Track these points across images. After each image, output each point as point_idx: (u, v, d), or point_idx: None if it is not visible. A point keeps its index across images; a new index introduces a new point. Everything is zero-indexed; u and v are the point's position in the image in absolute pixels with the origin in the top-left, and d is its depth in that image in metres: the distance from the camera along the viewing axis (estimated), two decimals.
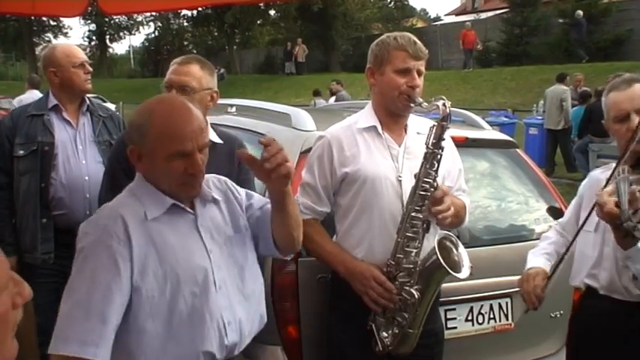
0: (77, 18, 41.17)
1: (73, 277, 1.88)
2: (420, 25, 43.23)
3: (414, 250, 2.46)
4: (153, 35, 49.66)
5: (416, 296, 2.45)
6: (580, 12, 22.66)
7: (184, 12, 42.70)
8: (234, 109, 3.92)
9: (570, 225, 2.70)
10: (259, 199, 2.26)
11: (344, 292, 2.58)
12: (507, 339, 3.16)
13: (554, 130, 12.74)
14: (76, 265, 1.88)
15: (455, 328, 3.01)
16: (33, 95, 9.37)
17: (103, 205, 2.06)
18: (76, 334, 1.79)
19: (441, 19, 50.19)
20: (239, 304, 2.07)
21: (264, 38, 44.27)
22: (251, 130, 3.40)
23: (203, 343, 1.96)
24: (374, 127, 2.63)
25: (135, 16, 44.83)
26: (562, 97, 12.61)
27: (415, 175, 2.46)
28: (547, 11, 26.86)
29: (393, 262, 2.49)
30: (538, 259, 2.69)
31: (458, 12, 45.47)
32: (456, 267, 2.45)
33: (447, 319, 2.96)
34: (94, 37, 49.19)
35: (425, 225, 2.46)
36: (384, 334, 2.52)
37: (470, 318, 3.06)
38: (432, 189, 2.43)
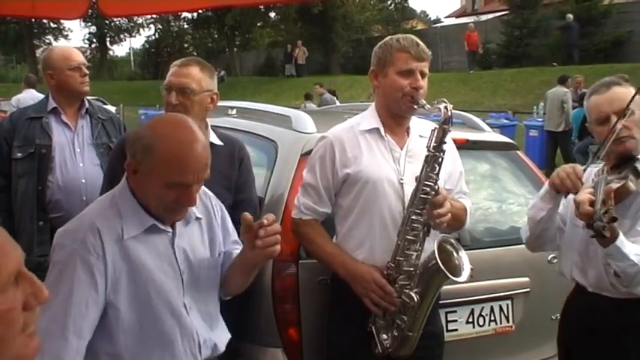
0: (78, 20, 41.23)
1: (49, 290, 1.86)
2: (420, 27, 43.24)
3: (415, 253, 2.46)
4: (153, 37, 49.62)
5: (415, 299, 2.44)
6: (570, 15, 22.77)
7: (184, 14, 42.71)
8: (234, 111, 3.92)
9: (562, 214, 2.68)
10: (233, 237, 2.26)
11: (344, 294, 2.57)
12: (508, 341, 3.16)
13: (554, 131, 12.73)
14: (51, 277, 1.85)
15: (455, 330, 3.01)
16: (30, 94, 9.42)
17: (81, 214, 2.02)
18: (52, 349, 1.78)
19: (441, 21, 50.28)
20: (208, 323, 2.09)
21: (265, 40, 44.28)
22: (251, 133, 3.40)
23: None
24: (377, 129, 2.63)
25: (135, 18, 44.78)
26: (563, 98, 12.61)
27: (416, 178, 2.46)
28: (547, 13, 26.89)
29: (393, 265, 2.49)
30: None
31: (458, 14, 45.49)
32: (456, 271, 2.45)
33: (447, 321, 2.96)
34: (94, 40, 49.16)
35: (425, 228, 2.46)
36: (384, 336, 2.52)
37: (470, 320, 3.06)
38: (433, 192, 2.43)
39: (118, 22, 47.39)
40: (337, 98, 17.06)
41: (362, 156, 2.58)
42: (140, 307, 1.91)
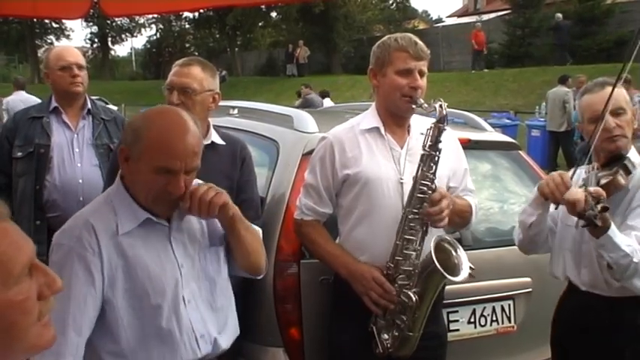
0: (79, 20, 41.30)
1: None
2: (421, 26, 43.22)
3: (414, 253, 2.46)
4: (154, 37, 49.69)
5: (414, 299, 2.44)
6: (560, 15, 22.82)
7: (186, 14, 42.76)
8: (236, 111, 3.91)
9: (553, 215, 2.69)
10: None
11: (346, 294, 2.57)
12: (510, 341, 3.15)
13: (556, 132, 12.72)
14: None
15: (457, 330, 3.00)
16: (19, 96, 9.53)
17: (77, 213, 2.03)
18: (53, 347, 1.79)
19: (443, 21, 50.24)
20: (209, 317, 2.07)
21: (266, 40, 44.31)
22: (253, 132, 3.40)
23: (174, 357, 1.97)
24: (376, 129, 2.63)
25: (136, 18, 44.86)
26: (564, 98, 12.59)
27: (414, 178, 2.46)
28: (549, 12, 26.82)
29: (392, 265, 2.49)
30: None
31: (460, 13, 45.46)
32: (455, 270, 2.44)
33: (449, 321, 2.96)
34: (95, 40, 49.24)
35: (424, 227, 2.46)
36: (385, 336, 2.51)
37: (472, 320, 3.05)
38: (430, 191, 2.43)
39: (119, 22, 47.47)
40: (330, 100, 17.00)
41: (362, 156, 2.58)
42: (138, 302, 1.92)
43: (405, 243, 2.46)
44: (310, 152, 2.79)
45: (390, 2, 44.06)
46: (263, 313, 2.79)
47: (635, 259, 2.27)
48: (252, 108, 4.01)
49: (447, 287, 2.70)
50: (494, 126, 4.04)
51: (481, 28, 25.89)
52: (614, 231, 2.26)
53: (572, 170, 2.50)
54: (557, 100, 12.71)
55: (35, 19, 35.57)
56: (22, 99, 9.33)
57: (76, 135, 3.49)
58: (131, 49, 62.12)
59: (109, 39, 50.08)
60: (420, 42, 2.57)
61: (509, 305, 3.14)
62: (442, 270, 2.37)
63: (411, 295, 2.44)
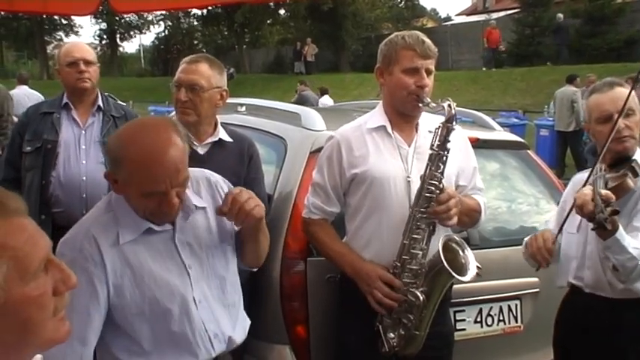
0: (88, 17, 41.41)
1: None
2: (430, 25, 43.11)
3: (420, 252, 2.46)
4: (163, 34, 49.71)
5: (421, 298, 2.44)
6: (560, 15, 22.73)
7: (194, 11, 42.73)
8: (243, 108, 3.91)
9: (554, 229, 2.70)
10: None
11: (352, 293, 2.57)
12: (516, 341, 3.15)
13: (564, 131, 12.66)
14: None
15: (464, 329, 3.00)
16: (23, 91, 9.68)
17: (79, 221, 2.01)
18: (57, 354, 1.79)
19: (452, 19, 50.10)
20: (222, 316, 2.06)
21: (274, 37, 44.27)
22: (261, 130, 3.40)
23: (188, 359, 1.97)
24: (383, 127, 2.62)
25: (145, 15, 44.88)
26: (572, 98, 12.52)
27: (421, 177, 2.46)
28: (559, 11, 26.73)
29: (398, 264, 2.48)
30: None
31: (469, 12, 45.32)
32: (462, 269, 2.44)
33: (455, 321, 2.95)
34: (104, 36, 49.31)
35: (431, 227, 2.46)
36: (391, 335, 2.51)
37: (479, 320, 3.05)
38: (438, 191, 2.42)
39: (128, 19, 47.58)
40: (329, 97, 17.01)
41: (369, 155, 2.57)
42: (147, 308, 1.91)
43: (411, 242, 2.45)
44: (318, 150, 2.79)
45: (399, 0, 43.98)
46: (269, 310, 2.80)
47: None
48: (260, 105, 4.01)
49: (454, 287, 2.70)
50: (502, 125, 4.02)
51: (495, 26, 25.58)
52: (621, 233, 2.25)
53: (584, 178, 2.48)
54: (565, 99, 12.64)
55: (44, 16, 35.67)
56: (25, 93, 9.51)
57: (83, 132, 3.49)
58: (139, 45, 62.24)
59: (118, 36, 50.15)
60: (427, 40, 2.56)
61: (516, 305, 3.13)
62: (450, 269, 2.36)
63: (418, 294, 2.44)
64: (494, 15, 34.32)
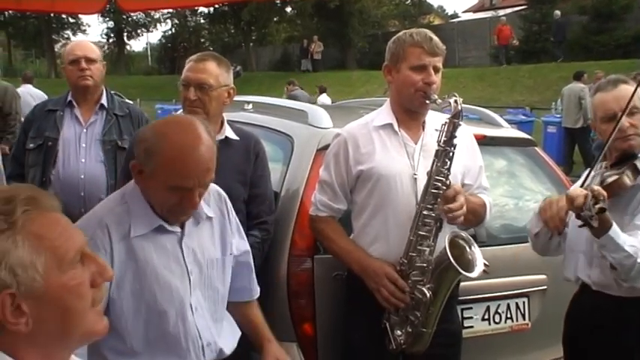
0: (96, 15, 41.49)
1: None
2: (437, 22, 43.02)
3: (427, 249, 2.45)
4: (170, 32, 49.74)
5: (427, 295, 2.43)
6: (558, 12, 22.64)
7: (201, 9, 42.78)
8: (250, 106, 3.92)
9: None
10: (241, 242, 2.25)
11: (359, 290, 2.57)
12: (524, 339, 3.14)
13: (572, 128, 12.62)
14: None
15: (471, 327, 2.99)
16: (27, 89, 9.79)
17: (92, 210, 2.03)
18: None
19: (459, 16, 49.95)
20: (215, 326, 2.08)
21: (281, 35, 44.23)
22: (267, 127, 3.40)
23: None
24: (390, 125, 2.62)
25: (152, 13, 44.90)
26: (580, 95, 12.47)
27: (428, 173, 2.45)
28: (566, 8, 26.60)
29: (405, 261, 2.48)
30: None
31: (475, 9, 45.18)
32: (469, 266, 2.43)
33: (463, 318, 2.95)
34: (111, 35, 49.42)
35: (438, 224, 2.45)
36: (398, 332, 2.51)
37: (486, 317, 3.04)
38: (445, 187, 2.42)
39: (135, 17, 47.66)
40: (327, 95, 17.03)
41: (375, 152, 2.58)
42: (145, 305, 1.91)
43: (418, 239, 2.45)
44: (325, 147, 2.79)
45: None
46: (277, 308, 2.80)
47: (639, 260, 2.24)
48: (266, 103, 4.01)
49: (462, 284, 2.69)
50: (509, 122, 4.02)
51: (506, 23, 25.39)
52: (615, 231, 2.24)
53: (583, 175, 2.48)
54: (573, 96, 12.60)
55: (52, 15, 35.79)
56: (30, 92, 9.62)
57: (85, 130, 3.49)
58: (147, 44, 62.32)
59: (125, 34, 50.24)
60: (435, 38, 2.56)
61: (523, 303, 3.12)
62: (457, 266, 2.36)
63: (425, 291, 2.43)
64: (501, 12, 34.20)
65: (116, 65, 46.62)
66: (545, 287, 3.16)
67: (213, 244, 2.09)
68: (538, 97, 19.47)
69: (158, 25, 50.29)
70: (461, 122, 2.45)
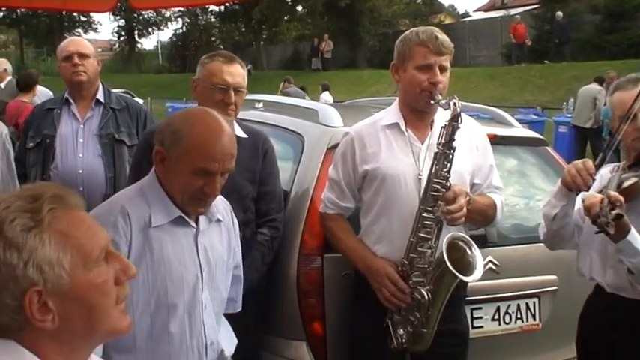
0: (107, 14, 41.69)
1: None
2: (448, 21, 42.86)
3: (429, 250, 2.45)
4: (180, 31, 49.88)
5: (426, 297, 2.43)
6: (560, 13, 22.49)
7: (212, 8, 42.93)
8: (261, 104, 3.92)
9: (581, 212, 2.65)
10: (239, 254, 2.27)
11: (364, 288, 2.58)
12: (534, 339, 3.13)
13: (583, 128, 12.55)
14: None
15: (481, 327, 2.98)
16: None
17: (109, 200, 2.06)
18: None
19: (470, 15, 49.79)
20: (219, 327, 2.10)
21: (291, 34, 44.26)
22: (278, 126, 3.40)
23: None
24: (397, 125, 2.62)
25: (163, 11, 45.08)
26: (596, 95, 12.42)
27: (427, 176, 2.45)
28: (578, 7, 26.45)
29: (406, 262, 2.48)
30: None
31: (487, 8, 45.02)
32: (469, 269, 2.42)
33: (473, 318, 2.94)
34: (122, 33, 49.62)
35: (438, 225, 2.45)
36: (400, 331, 2.51)
37: (496, 317, 3.03)
38: (444, 189, 2.41)
39: (146, 16, 47.86)
40: (330, 93, 17.06)
41: (381, 152, 2.58)
42: (155, 298, 1.92)
43: (419, 240, 2.45)
44: (335, 146, 2.79)
45: None
46: (286, 306, 2.80)
47: None
48: (277, 102, 4.02)
49: (472, 284, 2.68)
50: (520, 122, 4.00)
51: (520, 21, 25.12)
52: (633, 235, 2.22)
53: (598, 158, 2.44)
54: (588, 96, 12.54)
55: (64, 13, 35.98)
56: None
57: (82, 126, 3.51)
58: (157, 42, 62.42)
59: (136, 32, 50.44)
60: (442, 36, 2.54)
61: (534, 303, 3.11)
62: (453, 270, 2.35)
63: (424, 292, 2.43)
64: (513, 11, 34.05)
65: (127, 63, 46.85)
66: (555, 287, 3.14)
67: (222, 245, 2.12)
68: (549, 97, 19.36)
69: (169, 23, 50.51)
70: (460, 125, 2.43)
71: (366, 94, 17.22)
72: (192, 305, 1.97)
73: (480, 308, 2.98)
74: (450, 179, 2.43)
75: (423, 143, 2.59)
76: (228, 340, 2.16)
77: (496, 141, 3.14)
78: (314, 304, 2.77)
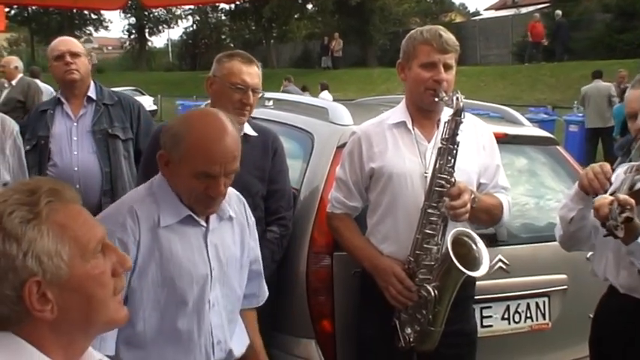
0: (117, 11, 41.85)
1: None
2: (458, 19, 42.79)
3: (435, 247, 2.44)
4: (191, 29, 50.00)
5: (432, 294, 2.42)
6: (559, 12, 22.32)
7: (222, 6, 42.99)
8: (271, 102, 3.93)
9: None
10: (256, 249, 2.27)
11: (371, 287, 2.58)
12: (544, 339, 3.11)
13: (601, 128, 12.43)
14: None
15: (490, 326, 2.97)
16: None
17: (119, 200, 2.06)
18: None
19: (480, 14, 49.64)
20: (228, 326, 2.09)
21: (301, 32, 44.25)
22: (288, 124, 3.41)
23: (187, 358, 1.98)
24: (403, 123, 2.61)
25: (173, 9, 45.16)
26: (609, 92, 12.32)
27: (432, 172, 2.45)
28: (590, 5, 26.32)
29: (412, 259, 2.48)
30: None
31: (498, 6, 44.88)
32: (476, 264, 2.40)
33: (482, 317, 2.93)
34: (133, 31, 49.73)
35: (444, 222, 2.44)
36: (408, 330, 2.50)
37: (506, 316, 3.02)
38: (449, 185, 2.40)
39: (156, 14, 47.91)
40: (328, 92, 17.07)
41: (387, 150, 2.58)
42: (164, 296, 1.93)
43: (424, 237, 2.44)
44: (345, 145, 2.79)
45: None
46: (295, 304, 2.81)
47: None
48: (287, 100, 4.02)
49: (481, 283, 2.68)
50: (531, 121, 3.97)
51: (539, 19, 24.89)
52: None
53: (616, 162, 2.44)
54: (601, 95, 12.44)
55: (75, 11, 36.12)
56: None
57: (75, 124, 3.54)
58: (168, 40, 62.67)
59: (146, 30, 50.55)
60: (446, 35, 2.53)
61: (544, 302, 3.09)
62: (459, 265, 2.34)
63: (430, 289, 2.42)
64: (524, 10, 33.94)
65: (137, 61, 46.97)
66: (565, 287, 3.13)
67: (234, 243, 2.11)
68: (560, 96, 19.26)
69: (179, 21, 50.53)
70: (463, 119, 2.43)
71: (376, 93, 17.22)
72: (200, 304, 1.98)
73: (490, 307, 2.97)
74: (454, 175, 2.42)
75: (429, 142, 2.59)
76: (238, 340, 2.16)
77: (507, 140, 3.13)
78: (323, 302, 2.77)
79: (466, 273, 2.37)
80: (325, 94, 16.04)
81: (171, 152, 1.91)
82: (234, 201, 2.15)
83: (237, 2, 35.18)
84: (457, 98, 2.41)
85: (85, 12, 42.19)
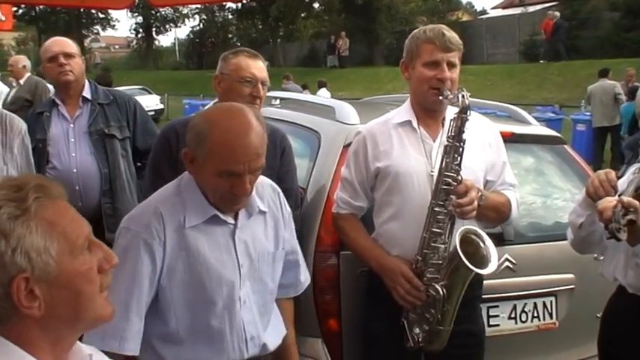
0: (125, 11, 41.90)
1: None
2: (465, 18, 42.65)
3: (442, 246, 2.44)
4: (198, 28, 50.00)
5: (441, 292, 2.42)
6: (557, 13, 22.17)
7: (229, 5, 43.02)
8: (277, 101, 3.93)
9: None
10: (292, 240, 2.26)
11: (379, 287, 2.57)
12: (551, 338, 3.11)
13: (608, 126, 12.39)
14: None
15: (497, 325, 2.97)
16: None
17: (146, 200, 2.06)
18: (116, 330, 1.84)
19: (487, 13, 49.47)
20: (261, 320, 2.08)
21: (308, 31, 44.20)
22: (295, 123, 3.41)
23: (220, 355, 1.99)
24: (409, 122, 2.61)
25: (180, 8, 45.17)
26: (615, 91, 12.27)
27: (438, 170, 2.44)
28: (597, 4, 26.18)
29: (420, 258, 2.47)
30: None
31: (505, 5, 44.68)
32: (484, 262, 2.40)
33: (489, 317, 2.93)
34: (140, 30, 49.80)
35: (451, 220, 2.44)
36: (416, 330, 2.50)
37: (513, 316, 3.02)
38: (456, 183, 2.40)
39: (163, 13, 47.96)
40: (327, 89, 17.06)
41: (392, 150, 2.57)
42: (192, 295, 1.94)
43: (432, 236, 2.44)
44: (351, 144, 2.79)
45: None
46: (302, 303, 2.80)
47: None
48: (293, 99, 4.03)
49: (488, 282, 2.67)
50: (538, 120, 3.96)
51: (553, 17, 24.72)
52: None
53: (622, 168, 2.43)
54: (607, 94, 12.39)
55: (82, 10, 36.22)
56: None
57: (72, 125, 3.53)
58: (175, 39, 62.56)
59: (154, 29, 50.61)
60: (449, 33, 2.53)
61: (551, 302, 3.09)
62: (468, 263, 2.33)
63: (439, 288, 2.42)
64: (531, 8, 33.78)
65: (144, 60, 47.05)
66: (573, 286, 3.12)
67: (266, 237, 2.10)
68: (567, 95, 19.17)
69: (186, 20, 50.56)
70: (469, 117, 2.42)
71: (382, 92, 17.19)
72: (231, 303, 1.98)
73: (497, 307, 2.97)
74: (461, 172, 2.42)
75: (435, 140, 2.59)
76: (274, 331, 2.16)
77: (513, 139, 3.12)
78: (330, 301, 2.77)
79: (475, 271, 2.36)
80: (323, 92, 16.01)
81: (196, 150, 1.89)
82: (268, 192, 2.14)
83: (244, 1, 35.26)
84: (463, 96, 2.41)
85: (93, 11, 42.29)
